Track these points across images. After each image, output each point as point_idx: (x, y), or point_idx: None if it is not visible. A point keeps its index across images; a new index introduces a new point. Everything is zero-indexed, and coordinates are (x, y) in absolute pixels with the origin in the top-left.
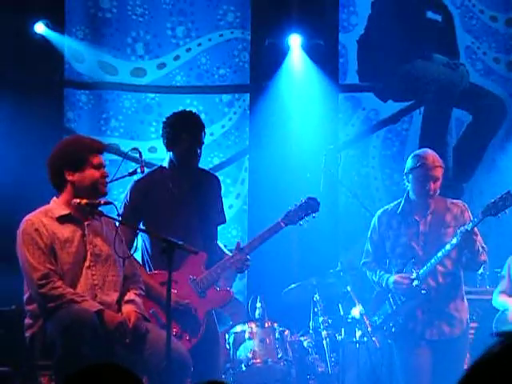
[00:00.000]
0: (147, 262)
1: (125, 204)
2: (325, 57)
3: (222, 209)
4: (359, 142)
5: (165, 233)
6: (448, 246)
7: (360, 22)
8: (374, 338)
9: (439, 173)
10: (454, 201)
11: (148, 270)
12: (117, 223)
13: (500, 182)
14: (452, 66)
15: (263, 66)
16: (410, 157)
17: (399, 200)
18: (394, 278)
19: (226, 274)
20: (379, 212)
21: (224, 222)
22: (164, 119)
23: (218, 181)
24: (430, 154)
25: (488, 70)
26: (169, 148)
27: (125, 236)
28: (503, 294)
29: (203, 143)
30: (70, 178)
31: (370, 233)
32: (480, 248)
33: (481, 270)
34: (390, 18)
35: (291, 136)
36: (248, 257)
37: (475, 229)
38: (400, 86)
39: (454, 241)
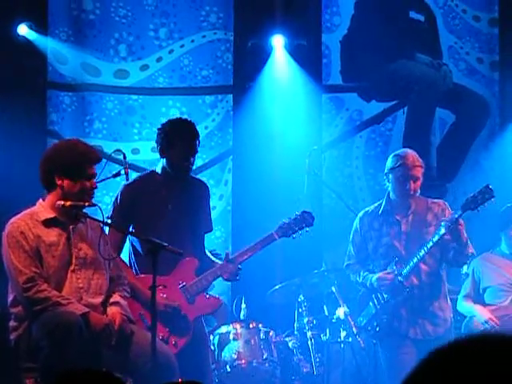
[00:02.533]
0: (134, 264)
1: (114, 206)
2: (308, 57)
3: (210, 217)
4: (343, 142)
5: (154, 237)
6: (430, 243)
7: (343, 23)
8: (358, 339)
9: (419, 172)
10: (435, 200)
11: (134, 272)
12: (102, 225)
13: (484, 181)
14: (435, 65)
15: (246, 67)
16: (390, 157)
17: (380, 201)
18: (377, 275)
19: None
20: (360, 214)
21: (211, 230)
22: (159, 126)
23: (208, 189)
24: (410, 153)
25: (471, 69)
26: (162, 154)
27: (114, 238)
28: (468, 298)
29: (197, 152)
30: (59, 182)
31: (351, 235)
32: (467, 239)
33: (465, 268)
34: (373, 19)
35: (275, 137)
36: (239, 267)
37: (460, 220)
38: (383, 86)
39: (436, 238)
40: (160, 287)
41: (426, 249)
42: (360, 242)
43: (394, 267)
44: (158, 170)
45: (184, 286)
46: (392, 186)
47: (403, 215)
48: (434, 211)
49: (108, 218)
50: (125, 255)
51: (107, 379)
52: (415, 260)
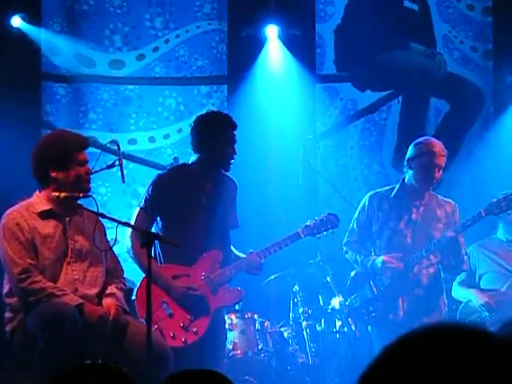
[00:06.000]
0: (159, 255)
1: (146, 196)
2: (302, 47)
3: (236, 214)
4: (337, 132)
5: (182, 230)
6: (437, 242)
7: (337, 12)
8: (353, 327)
9: (443, 162)
10: (446, 199)
11: (159, 262)
12: (98, 216)
13: (478, 171)
14: (429, 55)
15: (241, 58)
16: (414, 144)
17: (392, 185)
18: (383, 257)
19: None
20: (370, 193)
21: (237, 227)
22: (195, 118)
23: (237, 187)
24: (437, 142)
25: (465, 58)
26: (201, 148)
27: (143, 227)
28: (464, 284)
29: (236, 142)
30: (54, 174)
31: (357, 213)
32: (464, 256)
33: None
34: (367, 8)
35: (269, 127)
36: (262, 261)
37: (461, 238)
38: (378, 76)
39: (443, 240)
40: (184, 277)
41: (433, 246)
42: (364, 221)
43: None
44: (192, 163)
45: (208, 276)
46: (415, 173)
47: (416, 204)
48: (446, 210)
49: (138, 206)
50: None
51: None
52: (424, 252)
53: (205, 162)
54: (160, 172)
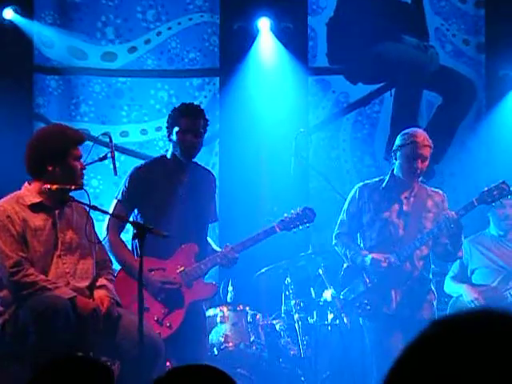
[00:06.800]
0: (136, 247)
1: (122, 189)
2: (294, 40)
3: (215, 208)
4: (330, 124)
5: (158, 222)
6: (429, 232)
7: (329, 5)
8: (345, 320)
9: (428, 152)
10: (435, 189)
11: (136, 256)
12: (88, 209)
13: (470, 163)
14: (422, 47)
15: (233, 50)
16: (400, 134)
17: (381, 177)
18: (372, 255)
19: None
20: (360, 184)
21: (216, 220)
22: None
23: (215, 180)
24: (421, 132)
25: (457, 51)
26: (169, 139)
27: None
28: (456, 279)
29: (201, 133)
30: (50, 169)
31: (347, 204)
32: (461, 243)
33: None
34: (359, 1)
35: (261, 120)
36: (237, 255)
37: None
38: (370, 69)
39: (436, 230)
40: (159, 270)
41: (426, 236)
42: (355, 212)
43: (392, 250)
44: (168, 155)
45: (183, 270)
46: (399, 164)
47: (406, 195)
48: (435, 199)
49: (115, 198)
50: (127, 238)
51: (93, 366)
52: (417, 243)
53: (174, 152)
54: (137, 164)
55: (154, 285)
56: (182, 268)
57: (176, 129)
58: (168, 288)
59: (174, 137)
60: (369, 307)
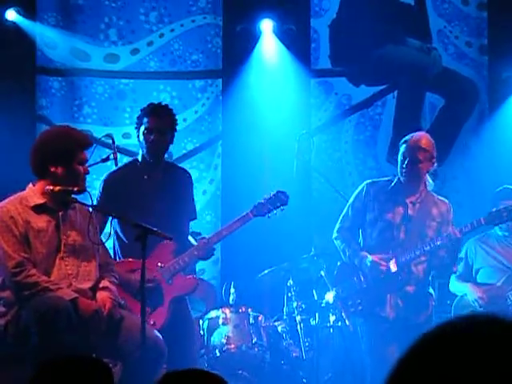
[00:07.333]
0: (117, 251)
1: (98, 194)
2: (297, 42)
3: (194, 205)
4: (332, 126)
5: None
6: (432, 243)
7: (332, 7)
8: (347, 322)
9: (420, 155)
10: (441, 198)
11: (118, 258)
12: (91, 211)
13: (473, 165)
14: (425, 50)
15: (235, 52)
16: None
17: (389, 177)
18: (371, 258)
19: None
20: (368, 181)
21: (195, 218)
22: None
23: (190, 177)
24: (417, 135)
25: (460, 53)
26: (138, 140)
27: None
28: (460, 278)
29: (167, 131)
30: (53, 170)
31: (352, 199)
32: (457, 258)
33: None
34: (362, 3)
35: (264, 121)
36: (214, 246)
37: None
38: (373, 71)
39: (439, 242)
40: (139, 270)
41: (427, 247)
42: (360, 207)
43: (392, 254)
44: (139, 157)
45: (162, 267)
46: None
47: (412, 200)
48: (441, 209)
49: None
50: (108, 243)
51: (93, 365)
52: (418, 252)
53: (143, 153)
54: (110, 170)
55: (134, 286)
56: (161, 265)
57: (142, 129)
58: (148, 287)
59: (141, 137)
60: (361, 307)
